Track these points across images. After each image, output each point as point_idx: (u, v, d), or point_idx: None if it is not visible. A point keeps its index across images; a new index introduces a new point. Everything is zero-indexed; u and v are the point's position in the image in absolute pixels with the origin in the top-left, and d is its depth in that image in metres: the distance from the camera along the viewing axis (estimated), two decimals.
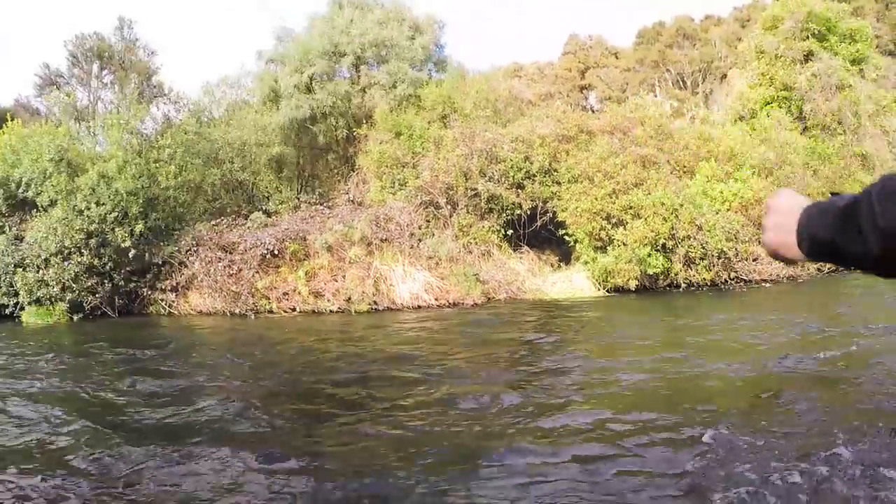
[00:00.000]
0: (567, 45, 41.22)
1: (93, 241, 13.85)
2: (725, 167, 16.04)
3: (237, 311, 13.75)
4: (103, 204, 13.91)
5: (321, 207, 15.86)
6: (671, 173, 15.68)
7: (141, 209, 14.15)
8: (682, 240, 14.34)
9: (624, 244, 14.20)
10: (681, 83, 37.70)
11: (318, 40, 18.61)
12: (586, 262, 15.18)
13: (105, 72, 19.64)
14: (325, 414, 5.76)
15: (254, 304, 13.80)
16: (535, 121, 17.55)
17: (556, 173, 15.93)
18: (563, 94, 35.68)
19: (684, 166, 16.14)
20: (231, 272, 13.92)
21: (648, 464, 4.13)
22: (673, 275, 14.51)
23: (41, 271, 13.82)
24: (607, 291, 14.65)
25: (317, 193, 17.17)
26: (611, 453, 4.37)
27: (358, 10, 19.71)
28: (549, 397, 5.91)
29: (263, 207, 16.58)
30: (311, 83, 18.09)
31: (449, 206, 15.84)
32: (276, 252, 14.12)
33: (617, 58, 39.71)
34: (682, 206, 14.49)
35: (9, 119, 16.77)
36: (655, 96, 28.29)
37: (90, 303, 13.98)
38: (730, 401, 5.66)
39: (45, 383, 7.38)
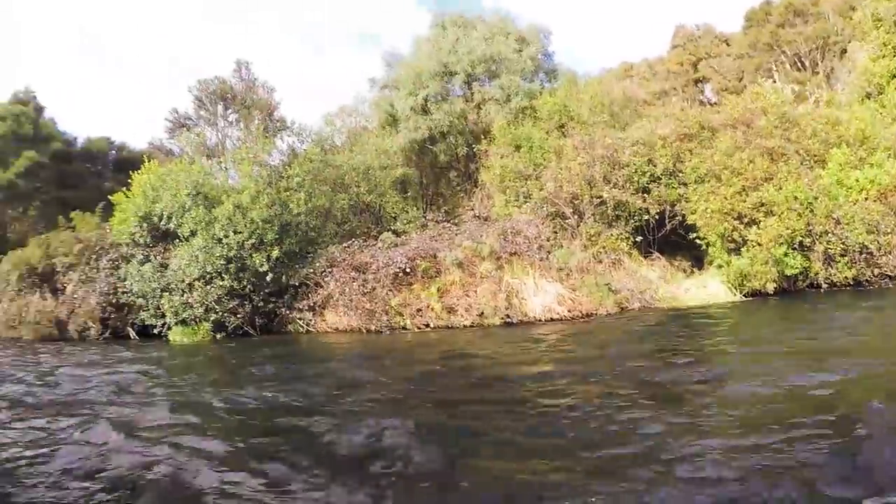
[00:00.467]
0: (675, 37, 39.43)
1: (232, 266, 14.58)
2: (858, 152, 14.56)
3: (372, 327, 13.86)
4: (240, 232, 14.62)
5: (448, 225, 15.86)
6: (801, 164, 14.45)
7: (276, 235, 14.75)
8: (819, 236, 13.25)
9: (758, 244, 13.24)
10: (799, 64, 34.83)
11: (427, 62, 18.97)
12: (720, 266, 14.27)
13: (229, 111, 21.07)
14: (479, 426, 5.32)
15: (388, 321, 13.86)
16: (653, 121, 16.86)
17: (681, 174, 15.14)
18: (677, 89, 34.10)
19: (814, 155, 14.78)
20: (365, 291, 14.12)
21: None
22: (812, 274, 13.42)
23: (185, 295, 14.77)
24: (744, 296, 13.67)
25: (442, 211, 17.27)
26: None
27: (462, 29, 19.93)
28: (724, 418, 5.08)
29: (392, 228, 16.88)
30: (426, 104, 18.37)
31: (575, 216, 15.37)
32: (407, 270, 14.18)
33: (728, 45, 37.39)
34: (816, 199, 13.40)
35: (146, 160, 18.26)
36: (774, 82, 26.25)
37: (232, 323, 14.72)
38: None
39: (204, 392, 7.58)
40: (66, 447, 5.27)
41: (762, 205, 13.51)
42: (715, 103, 28.51)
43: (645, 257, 15.43)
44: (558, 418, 5.39)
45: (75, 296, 16.97)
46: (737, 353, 8.15)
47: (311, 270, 14.75)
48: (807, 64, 35.14)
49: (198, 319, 14.78)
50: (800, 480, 3.55)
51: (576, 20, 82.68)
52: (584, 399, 6.01)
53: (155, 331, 15.48)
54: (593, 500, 3.51)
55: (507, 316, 13.55)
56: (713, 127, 15.85)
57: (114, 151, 34.26)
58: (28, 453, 5.18)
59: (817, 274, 13.35)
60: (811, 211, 13.26)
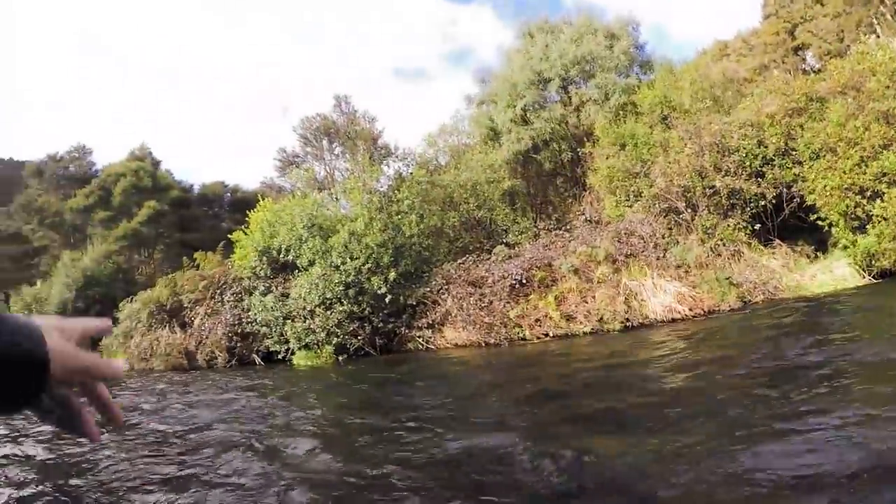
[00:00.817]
0: (765, 6, 37.08)
1: (351, 291, 15.10)
2: None
3: (491, 341, 13.83)
4: (356, 258, 15.14)
5: (560, 232, 15.66)
6: None
7: (391, 258, 15.14)
8: None
9: (884, 219, 12.06)
10: None
11: (520, 73, 18.93)
12: (846, 247, 13.10)
13: (334, 144, 22.01)
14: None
15: (507, 333, 13.79)
16: (758, 99, 15.86)
17: (794, 152, 14.11)
18: (777, 62, 32.01)
19: None
20: (482, 305, 14.14)
21: None
22: None
23: (307, 321, 15.45)
24: (874, 278, 12.47)
25: (553, 219, 17.10)
26: None
27: (549, 34, 19.75)
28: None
29: (504, 240, 16.90)
30: (525, 114, 18.33)
31: (689, 210, 14.71)
32: (523, 281, 14.08)
33: (822, 5, 34.69)
34: None
35: (260, 199, 19.36)
36: (878, 37, 23.97)
37: (353, 345, 15.19)
38: None
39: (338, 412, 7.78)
40: None
41: (884, 175, 12.30)
42: (819, 70, 26.49)
43: (765, 245, 14.49)
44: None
45: (202, 328, 18.22)
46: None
47: (428, 289, 14.99)
48: None
49: (320, 343, 15.41)
50: None
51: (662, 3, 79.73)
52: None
53: (279, 356, 16.34)
54: None
55: (627, 319, 13.12)
56: (821, 96, 14.73)
57: (228, 194, 36.89)
58: None
59: None
60: None
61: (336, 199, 18.60)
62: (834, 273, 13.43)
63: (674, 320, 12.93)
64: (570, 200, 18.60)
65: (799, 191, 13.89)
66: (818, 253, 14.41)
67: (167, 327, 19.27)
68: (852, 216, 12.81)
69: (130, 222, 30.90)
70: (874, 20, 32.05)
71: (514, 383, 9.15)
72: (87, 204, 33.54)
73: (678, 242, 14.34)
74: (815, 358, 6.87)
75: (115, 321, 21.48)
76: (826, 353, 6.95)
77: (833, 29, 33.47)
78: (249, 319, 17.16)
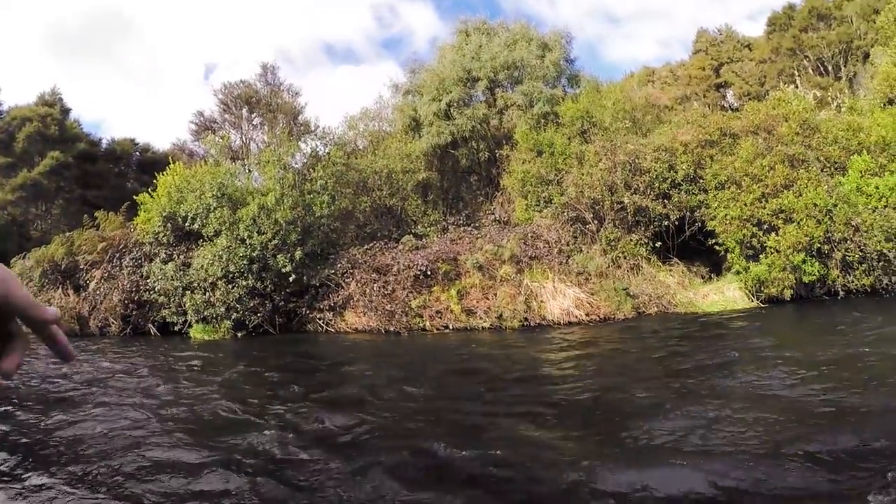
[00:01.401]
0: (697, 42, 39.00)
1: (255, 267, 14.79)
2: (879, 159, 14.34)
3: (391, 328, 13.94)
4: (264, 233, 14.81)
5: (469, 228, 15.94)
6: (822, 171, 14.33)
7: (299, 237, 14.92)
8: (838, 243, 13.14)
9: (777, 251, 13.18)
10: (821, 69, 34.24)
11: (450, 69, 19.06)
12: (738, 272, 14.18)
13: (254, 115, 21.29)
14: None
15: (407, 322, 13.93)
16: (675, 128, 16.82)
17: (701, 180, 15.11)
18: (699, 94, 33.77)
19: (835, 162, 14.67)
20: (386, 292, 14.21)
21: None
22: (830, 282, 13.27)
23: (208, 293, 14.98)
24: (762, 302, 13.56)
25: (463, 215, 17.33)
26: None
27: (485, 36, 20.02)
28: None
29: (413, 231, 16.94)
30: (449, 110, 18.43)
31: (596, 221, 15.38)
32: (428, 273, 14.24)
33: (750, 49, 36.88)
34: (836, 206, 13.31)
35: (170, 162, 18.50)
36: (797, 87, 25.94)
37: (252, 321, 14.87)
38: None
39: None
40: None
41: (782, 211, 13.46)
42: (737, 108, 28.30)
43: (663, 263, 15.37)
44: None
45: (98, 292, 17.22)
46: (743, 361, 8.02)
47: (333, 271, 14.88)
48: (829, 69, 34.67)
49: (219, 317, 14.96)
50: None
51: (595, 26, 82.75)
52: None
53: (176, 328, 15.73)
54: None
55: (526, 319, 13.60)
56: (734, 133, 15.79)
57: (138, 153, 34.79)
58: None
59: (835, 281, 13.22)
60: (830, 218, 13.17)
61: (249, 170, 18.07)
62: (725, 294, 14.43)
63: (570, 324, 13.51)
64: (481, 199, 18.93)
65: (701, 216, 14.83)
66: (712, 275, 15.44)
67: (60, 289, 18.07)
68: (748, 245, 13.82)
69: (31, 172, 28.68)
70: (795, 72, 34.50)
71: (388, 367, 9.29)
72: None
73: (581, 251, 14.94)
74: (684, 365, 7.38)
75: None
76: (696, 360, 7.50)
77: (756, 73, 35.78)
78: (148, 287, 16.39)
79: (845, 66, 33.83)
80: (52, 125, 30.01)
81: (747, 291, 13.95)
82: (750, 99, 28.96)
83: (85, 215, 21.29)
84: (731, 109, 29.32)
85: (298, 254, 14.61)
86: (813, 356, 7.63)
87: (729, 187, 14.40)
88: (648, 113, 19.87)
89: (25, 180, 28.76)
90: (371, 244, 15.55)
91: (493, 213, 16.68)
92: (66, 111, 32.32)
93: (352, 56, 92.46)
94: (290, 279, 14.62)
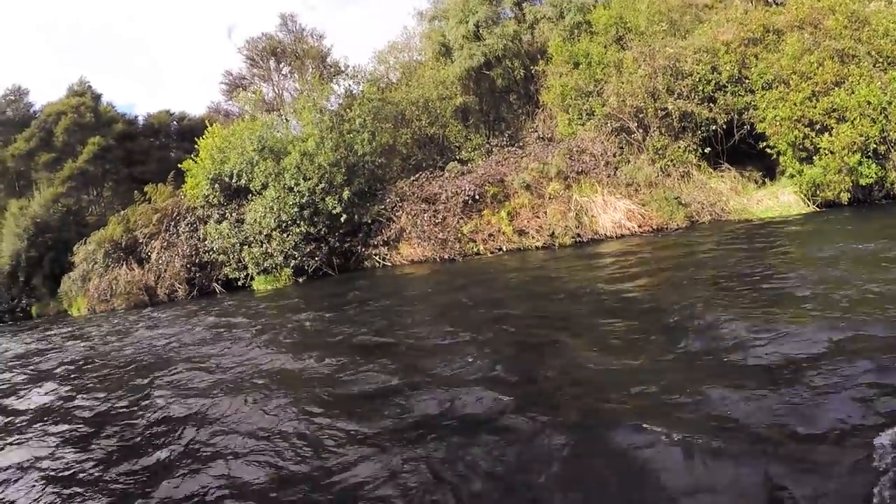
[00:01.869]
0: None
1: (306, 212, 15.07)
2: None
3: (446, 256, 14.06)
4: (310, 178, 14.99)
5: (513, 149, 15.71)
6: (874, 66, 13.22)
7: (344, 177, 15.04)
8: (895, 143, 12.14)
9: (831, 152, 12.40)
10: None
11: None
12: (792, 176, 13.50)
13: (282, 65, 21.25)
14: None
15: (461, 248, 14.01)
16: (715, 27, 15.95)
17: (747, 81, 14.30)
18: None
19: (888, 56, 13.53)
20: (436, 221, 14.30)
21: None
22: (889, 184, 12.34)
23: (264, 245, 15.42)
24: (818, 207, 12.92)
25: (506, 136, 17.11)
26: None
27: None
28: None
29: (457, 157, 16.90)
30: (478, 30, 17.99)
31: (641, 130, 14.95)
32: (476, 197, 14.21)
33: None
34: (891, 103, 12.19)
35: (208, 125, 18.77)
36: None
37: (311, 266, 15.28)
38: None
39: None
40: None
41: (834, 110, 12.58)
42: (780, 3, 26.64)
43: (714, 169, 14.88)
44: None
45: (160, 262, 17.90)
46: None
47: (382, 207, 15.02)
48: None
49: (278, 266, 15.40)
50: None
51: None
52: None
53: (239, 283, 16.30)
54: None
55: (578, 235, 13.47)
56: (778, 29, 14.89)
57: (175, 123, 35.41)
58: None
59: (893, 183, 12.33)
60: (885, 117, 12.15)
61: (286, 120, 18.20)
62: (779, 199, 13.90)
63: (623, 236, 13.32)
64: (522, 118, 18.60)
65: (749, 118, 14.17)
66: (765, 179, 14.87)
67: (124, 265, 18.85)
68: (800, 147, 13.13)
69: (76, 162, 29.59)
70: None
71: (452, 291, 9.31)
72: (29, 148, 31.90)
73: (629, 162, 14.61)
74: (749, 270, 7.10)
75: (71, 265, 20.96)
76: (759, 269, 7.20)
77: None
78: (206, 249, 16.97)
79: None
80: (86, 113, 30.74)
81: (802, 196, 13.30)
82: None
83: (135, 192, 22.01)
84: (775, 3, 27.56)
85: (346, 194, 14.77)
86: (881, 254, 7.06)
87: (777, 86, 13.57)
88: (686, 13, 18.89)
89: (72, 170, 29.73)
90: (417, 175, 15.57)
91: (536, 131, 16.39)
92: (97, 97, 33.02)
93: None
94: (342, 220, 14.84)
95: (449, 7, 18.89)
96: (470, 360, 4.75)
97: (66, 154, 30.72)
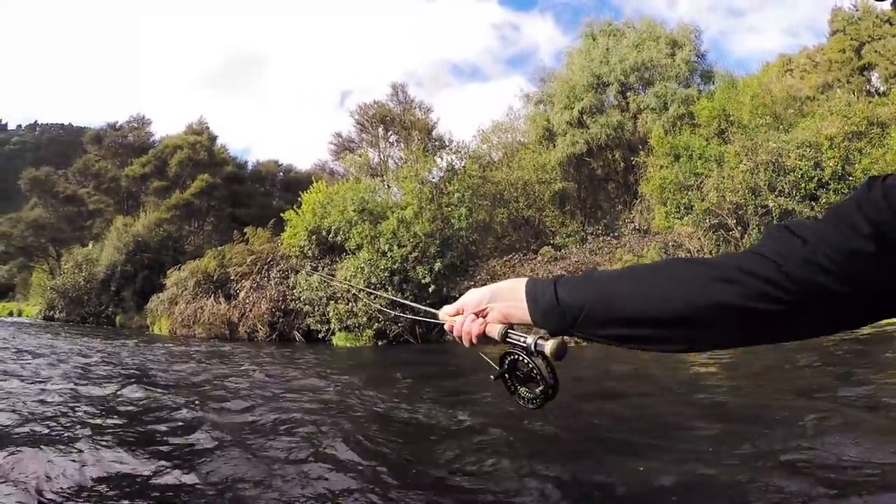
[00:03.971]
0: (832, 22, 35.61)
1: (396, 279, 15.46)
2: None
3: None
4: (404, 246, 15.48)
5: (608, 238, 15.71)
6: None
7: (438, 249, 15.42)
8: None
9: None
10: None
11: (579, 75, 18.92)
12: None
13: (389, 132, 22.35)
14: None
15: None
16: (819, 120, 15.56)
17: (850, 178, 13.82)
18: (841, 81, 30.91)
19: None
20: None
21: None
22: None
23: (350, 304, 15.81)
24: None
25: (601, 224, 17.12)
26: None
27: (612, 38, 19.65)
28: None
29: (551, 242, 17.01)
30: (581, 117, 18.33)
31: (739, 227, 14.59)
32: None
33: (891, 24, 33.16)
34: None
35: (313, 181, 19.86)
36: None
37: (393, 331, 15.52)
38: None
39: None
40: None
41: None
42: (884, 93, 25.66)
43: None
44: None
45: (247, 301, 18.81)
46: None
47: (472, 283, 15.21)
48: None
49: (361, 326, 15.82)
50: None
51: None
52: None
53: (319, 335, 16.83)
54: None
55: None
56: (883, 121, 14.44)
57: (281, 173, 37.84)
58: None
59: None
60: None
61: (388, 186, 18.97)
62: None
63: None
64: (619, 207, 18.54)
65: None
66: None
67: (212, 297, 19.90)
68: None
69: (184, 193, 31.99)
70: None
71: None
72: (143, 172, 34.88)
73: None
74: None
75: (162, 287, 22.40)
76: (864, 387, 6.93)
77: None
78: (293, 297, 17.67)
79: None
80: (200, 151, 33.31)
81: None
82: None
83: (234, 231, 23.43)
84: (879, 94, 26.60)
85: (437, 266, 15.13)
86: None
87: None
88: (790, 106, 18.55)
89: (179, 201, 32.09)
90: (510, 256, 15.77)
91: (633, 222, 16.32)
92: (213, 138, 35.79)
93: (478, 74, 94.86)
94: (430, 290, 15.14)
95: (555, 92, 19.36)
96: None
97: (176, 185, 33.28)
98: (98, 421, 6.31)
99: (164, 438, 5.62)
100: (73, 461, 4.62)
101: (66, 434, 5.58)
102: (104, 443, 5.20)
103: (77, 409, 6.93)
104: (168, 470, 4.50)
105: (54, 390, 8.12)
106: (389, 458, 5.15)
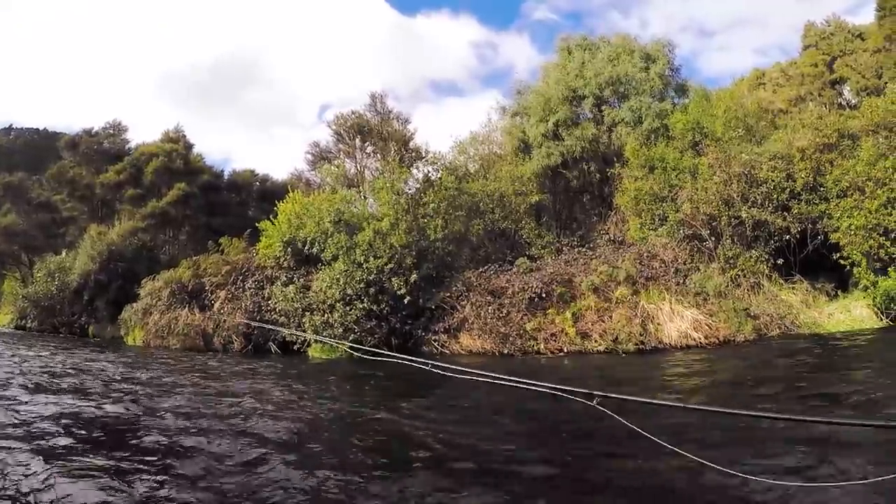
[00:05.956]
0: (805, 37, 36.41)
1: (371, 290, 15.36)
2: None
3: (505, 351, 13.98)
4: (380, 257, 15.41)
5: (583, 249, 15.78)
6: None
7: (414, 260, 15.38)
8: None
9: None
10: None
11: (555, 88, 19.14)
12: (866, 288, 13.15)
13: (367, 143, 22.32)
14: None
15: (522, 345, 13.92)
16: (791, 133, 15.90)
17: (822, 188, 14.18)
18: (813, 94, 31.53)
19: None
20: (500, 315, 14.31)
21: None
22: None
23: (326, 315, 15.73)
24: (891, 321, 12.42)
25: (577, 236, 17.24)
26: None
27: (587, 52, 19.90)
28: None
29: (527, 253, 17.05)
30: (557, 130, 18.50)
31: (713, 238, 14.83)
32: (543, 295, 14.20)
33: (863, 39, 33.91)
34: None
35: (289, 190, 19.70)
36: None
37: (369, 342, 15.30)
38: None
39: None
40: None
41: None
42: (856, 106, 26.26)
43: (785, 280, 14.53)
44: None
45: (222, 312, 18.52)
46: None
47: (448, 294, 15.20)
48: None
49: (337, 337, 15.65)
50: None
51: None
52: None
53: (294, 347, 16.63)
54: None
55: (642, 342, 13.19)
56: (853, 134, 14.78)
57: (258, 183, 37.54)
58: None
59: None
60: None
61: (364, 197, 18.92)
62: (852, 313, 13.44)
63: (688, 347, 13.00)
64: (595, 219, 18.73)
65: (824, 228, 13.94)
66: (838, 291, 14.40)
67: (187, 307, 19.55)
68: (875, 257, 12.85)
69: (159, 202, 31.54)
70: None
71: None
72: (118, 180, 34.30)
73: (699, 270, 14.45)
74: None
75: (136, 297, 21.99)
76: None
77: (872, 65, 32.92)
78: (269, 308, 17.46)
79: None
80: (177, 159, 32.95)
81: (875, 309, 12.87)
82: (868, 94, 26.78)
83: (210, 241, 23.10)
84: (850, 107, 27.21)
85: (413, 277, 15.06)
86: None
87: (851, 194, 13.42)
88: (762, 119, 18.92)
89: (154, 209, 31.65)
90: (485, 267, 15.76)
91: (608, 233, 16.47)
92: (189, 146, 35.44)
93: (455, 90, 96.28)
94: (406, 301, 15.05)
95: (530, 105, 19.52)
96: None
97: (152, 193, 32.84)
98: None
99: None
100: None
101: None
102: None
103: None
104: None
105: None
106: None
